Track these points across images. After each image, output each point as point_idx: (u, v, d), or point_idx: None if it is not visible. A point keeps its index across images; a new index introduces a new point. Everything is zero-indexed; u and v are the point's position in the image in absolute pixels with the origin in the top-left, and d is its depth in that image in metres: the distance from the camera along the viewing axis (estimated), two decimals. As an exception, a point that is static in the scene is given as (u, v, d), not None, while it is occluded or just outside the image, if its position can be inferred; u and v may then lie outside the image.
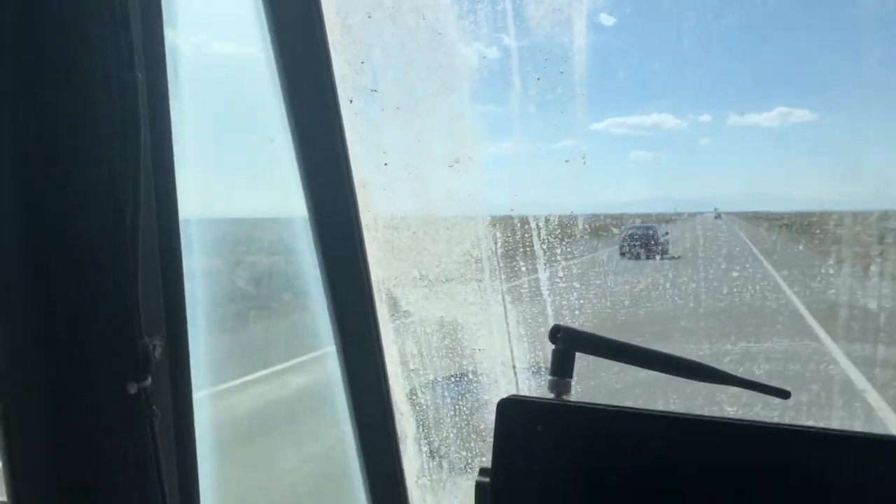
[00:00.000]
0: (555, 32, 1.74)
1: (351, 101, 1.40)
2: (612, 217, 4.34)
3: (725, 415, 0.99)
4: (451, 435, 1.96)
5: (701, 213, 5.18)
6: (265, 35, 1.33)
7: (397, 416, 1.84)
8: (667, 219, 5.00)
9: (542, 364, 1.86)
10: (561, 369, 1.02)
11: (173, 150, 0.88)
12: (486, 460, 1.99)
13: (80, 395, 0.80)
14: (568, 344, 1.02)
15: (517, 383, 1.82)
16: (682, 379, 1.02)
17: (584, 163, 1.71)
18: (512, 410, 0.99)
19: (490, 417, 1.92)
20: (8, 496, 0.81)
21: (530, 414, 0.98)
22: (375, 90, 1.48)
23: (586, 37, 1.74)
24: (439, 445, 1.97)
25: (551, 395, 1.02)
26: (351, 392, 1.74)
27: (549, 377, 1.03)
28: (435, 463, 2.01)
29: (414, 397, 1.95)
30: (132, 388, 0.79)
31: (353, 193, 1.52)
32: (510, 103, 1.70)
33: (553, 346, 1.02)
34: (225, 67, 1.45)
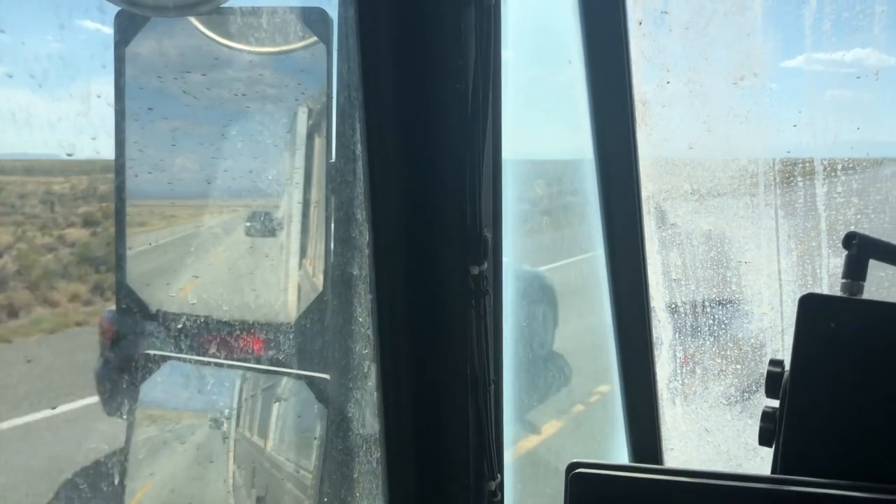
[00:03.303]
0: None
1: (640, 24, 1.48)
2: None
3: None
4: (708, 343, 2.04)
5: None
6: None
7: (654, 322, 1.96)
8: None
9: (808, 276, 1.85)
10: (854, 273, 1.06)
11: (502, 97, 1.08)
12: (741, 367, 2.06)
13: (437, 274, 1.07)
14: (864, 251, 1.05)
15: (782, 295, 1.82)
16: None
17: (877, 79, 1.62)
18: (812, 305, 1.04)
19: (749, 326, 1.97)
20: (373, 335, 1.11)
21: (829, 310, 1.03)
22: (665, 12, 1.53)
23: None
24: (694, 352, 2.07)
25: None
26: (614, 294, 1.89)
27: (843, 280, 1.07)
28: (688, 368, 2.11)
29: (673, 305, 2.05)
30: (475, 270, 1.04)
31: (632, 110, 1.63)
32: (803, 23, 1.65)
33: (847, 252, 1.06)
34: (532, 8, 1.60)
